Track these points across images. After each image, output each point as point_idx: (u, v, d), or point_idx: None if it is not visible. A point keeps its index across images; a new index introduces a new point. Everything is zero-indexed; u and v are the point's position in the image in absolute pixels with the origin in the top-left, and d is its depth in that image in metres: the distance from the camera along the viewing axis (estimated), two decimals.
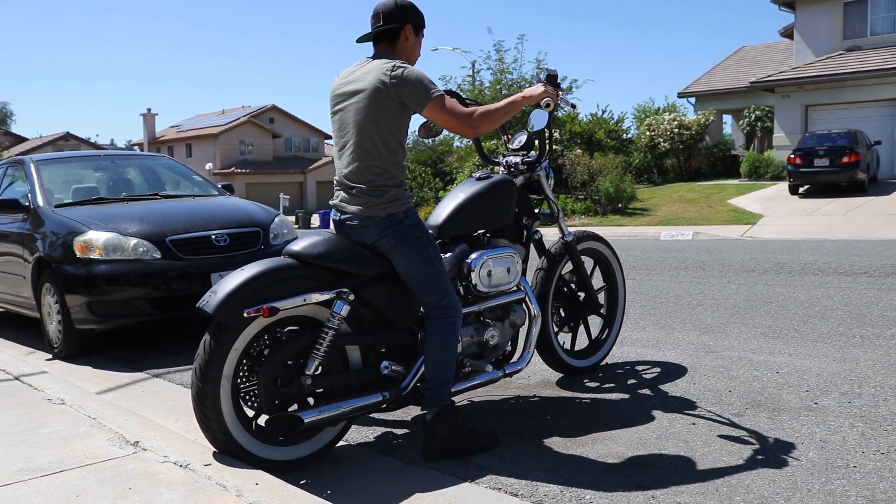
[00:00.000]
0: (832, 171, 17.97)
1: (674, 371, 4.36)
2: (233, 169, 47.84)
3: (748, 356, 4.61)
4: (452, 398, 3.27)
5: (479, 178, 3.77)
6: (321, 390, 3.11)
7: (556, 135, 22.36)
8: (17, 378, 4.52)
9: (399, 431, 3.57)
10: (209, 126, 51.62)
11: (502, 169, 4.00)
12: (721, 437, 3.28)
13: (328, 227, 19.00)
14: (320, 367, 3.06)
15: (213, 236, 5.67)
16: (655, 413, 3.63)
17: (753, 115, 26.69)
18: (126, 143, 67.72)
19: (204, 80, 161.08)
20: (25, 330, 6.77)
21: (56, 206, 6.09)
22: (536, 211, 4.03)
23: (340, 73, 3.32)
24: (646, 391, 4.01)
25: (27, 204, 6.17)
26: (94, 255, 5.34)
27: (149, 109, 53.35)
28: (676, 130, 24.92)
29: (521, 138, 4.03)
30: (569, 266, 4.25)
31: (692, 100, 29.32)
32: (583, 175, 20.04)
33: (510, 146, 4.07)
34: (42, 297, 5.77)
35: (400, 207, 3.14)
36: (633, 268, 9.09)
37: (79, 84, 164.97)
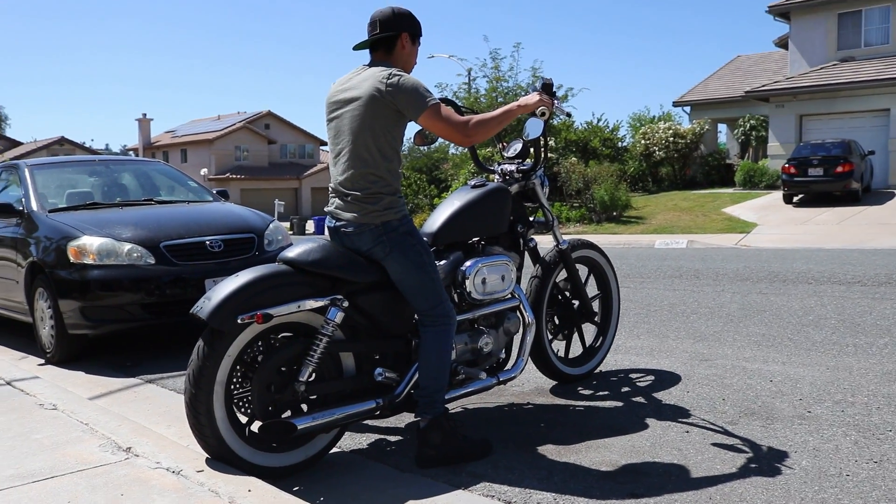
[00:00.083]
0: (826, 180, 18.06)
1: (668, 379, 4.36)
2: (228, 175, 47.82)
3: (742, 364, 4.61)
4: (446, 405, 3.27)
5: (474, 186, 3.77)
6: (315, 397, 3.10)
7: (552, 143, 22.40)
8: (8, 383, 4.50)
9: (393, 438, 3.57)
10: (205, 131, 51.61)
11: (497, 177, 4.01)
12: (714, 445, 3.28)
13: (323, 233, 19.01)
14: (314, 374, 3.06)
15: (208, 242, 5.66)
16: (649, 421, 3.63)
17: (748, 125, 26.78)
18: (121, 148, 67.70)
19: (200, 85, 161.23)
20: (18, 335, 6.74)
21: (50, 211, 6.08)
22: (531, 219, 4.03)
23: (337, 80, 3.33)
24: (640, 399, 4.01)
25: (21, 208, 6.15)
26: (88, 261, 5.32)
27: (144, 114, 53.39)
28: (671, 139, 24.98)
29: (517, 146, 4.04)
30: (563, 274, 4.26)
31: (687, 109, 29.44)
32: (578, 183, 20.09)
33: (505, 154, 4.08)
34: (35, 301, 5.75)
35: (395, 215, 3.14)
36: (627, 276, 9.10)
37: (74, 88, 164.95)
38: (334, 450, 3.30)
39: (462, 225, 3.62)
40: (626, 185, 21.24)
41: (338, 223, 3.21)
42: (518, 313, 3.78)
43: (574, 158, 21.93)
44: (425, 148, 28.37)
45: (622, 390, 4.20)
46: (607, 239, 15.81)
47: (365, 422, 3.57)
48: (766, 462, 3.06)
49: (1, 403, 4.05)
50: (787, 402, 3.82)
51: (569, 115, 3.81)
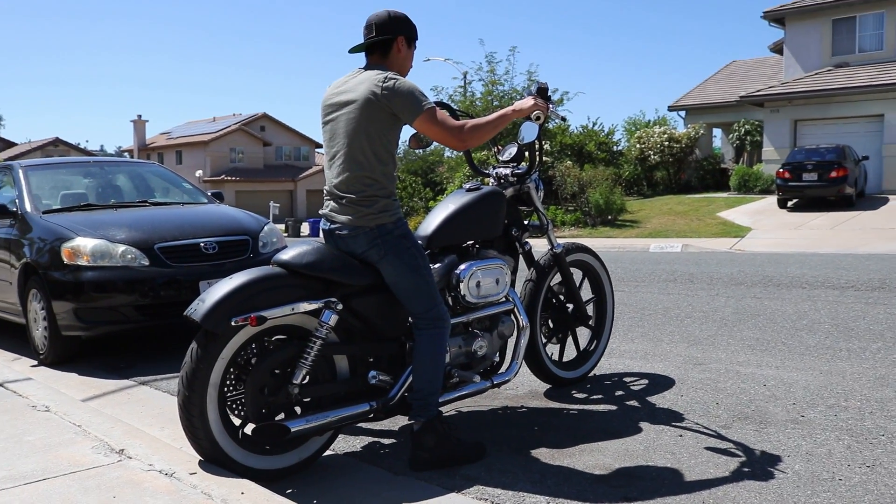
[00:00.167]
0: (820, 185, 18.12)
1: (661, 383, 4.37)
2: (223, 177, 47.77)
3: (736, 369, 4.62)
4: (440, 408, 3.27)
5: (468, 190, 3.78)
6: (308, 399, 3.10)
7: (547, 147, 22.43)
8: (1, 384, 4.48)
9: (386, 441, 3.57)
10: (200, 133, 51.55)
11: (492, 180, 4.01)
12: (708, 449, 3.29)
13: (318, 235, 18.98)
14: (308, 377, 3.05)
15: (202, 244, 5.65)
16: (643, 425, 3.64)
17: (743, 129, 26.86)
18: (116, 150, 67.57)
19: (195, 86, 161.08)
20: (11, 336, 6.72)
21: (44, 212, 6.06)
22: (526, 222, 4.04)
23: (332, 83, 3.33)
24: (633, 403, 4.01)
25: (15, 209, 6.13)
26: (82, 262, 5.31)
27: (139, 116, 53.22)
28: (666, 143, 25.04)
29: (512, 150, 4.05)
30: (558, 277, 4.26)
31: (682, 113, 29.51)
32: (573, 187, 20.11)
33: (500, 158, 4.08)
34: (28, 303, 5.73)
35: (389, 218, 3.14)
36: (621, 280, 9.11)
37: (69, 89, 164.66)
38: (328, 452, 3.29)
39: (457, 228, 3.63)
40: (621, 188, 21.28)
41: (332, 226, 3.21)
42: (512, 317, 3.78)
43: (569, 162, 21.96)
44: (420, 151, 28.38)
45: (616, 394, 4.20)
46: (602, 243, 15.83)
47: (359, 424, 3.57)
48: (759, 466, 3.06)
49: None
50: (781, 407, 3.83)
51: (564, 119, 3.83)
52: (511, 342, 3.83)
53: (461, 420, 3.83)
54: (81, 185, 6.97)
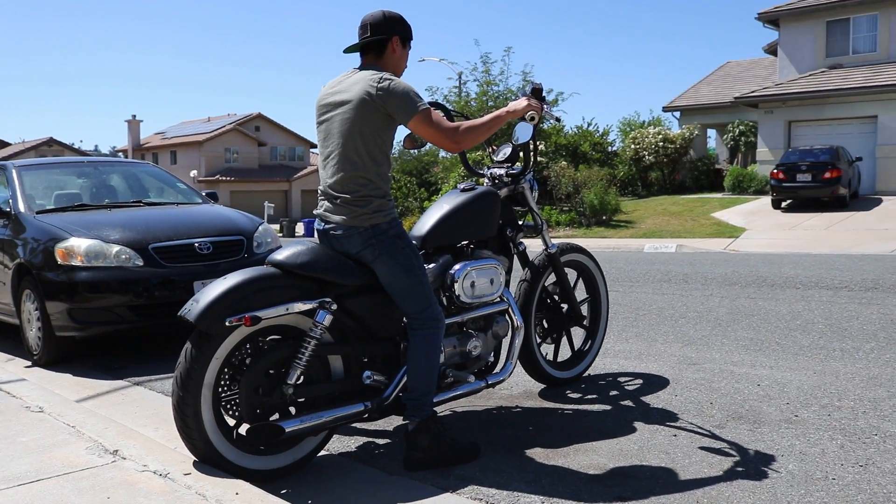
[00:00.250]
0: (814, 186, 18.17)
1: (656, 383, 4.38)
2: (218, 177, 47.67)
3: (730, 368, 4.63)
4: (435, 408, 3.27)
5: (463, 190, 3.78)
6: (303, 400, 3.09)
7: (542, 147, 22.45)
8: None
9: (381, 441, 3.57)
10: (194, 133, 51.44)
11: (487, 181, 4.02)
12: (702, 448, 3.29)
13: (312, 236, 18.97)
14: (302, 377, 3.05)
15: (197, 244, 5.64)
16: (637, 425, 3.64)
17: (737, 130, 26.92)
18: (110, 150, 67.39)
19: (190, 86, 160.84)
20: (4, 337, 6.70)
21: (38, 213, 6.04)
22: (520, 223, 4.04)
23: (327, 83, 3.33)
24: (628, 403, 4.02)
25: (8, 210, 6.11)
26: (76, 262, 5.30)
27: (133, 116, 53.15)
28: (661, 144, 25.09)
29: (506, 150, 4.05)
30: (552, 278, 4.26)
31: (677, 114, 29.57)
32: (567, 187, 20.14)
33: (495, 158, 4.08)
34: (22, 303, 5.72)
35: (384, 218, 3.14)
36: (616, 280, 9.13)
37: (63, 89, 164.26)
38: (322, 453, 3.29)
39: (451, 228, 3.63)
40: (615, 189, 21.31)
41: (327, 226, 3.21)
42: (507, 317, 3.79)
43: (564, 162, 21.99)
44: (415, 151, 28.38)
45: (610, 394, 4.21)
46: (597, 243, 15.85)
47: (353, 425, 3.57)
48: (753, 466, 3.07)
49: None
50: (775, 406, 3.84)
51: (558, 119, 3.84)
52: (506, 342, 3.84)
53: (456, 420, 3.83)
54: (75, 186, 6.96)
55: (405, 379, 3.21)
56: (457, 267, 3.51)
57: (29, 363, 5.63)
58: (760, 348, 5.17)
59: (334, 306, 3.07)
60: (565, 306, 4.33)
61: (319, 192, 3.27)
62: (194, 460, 2.95)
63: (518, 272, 4.15)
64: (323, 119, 3.24)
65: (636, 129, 28.70)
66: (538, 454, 3.30)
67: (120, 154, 55.62)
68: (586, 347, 4.53)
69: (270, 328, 3.06)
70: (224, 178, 47.66)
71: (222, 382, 2.99)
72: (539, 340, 4.23)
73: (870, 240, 13.77)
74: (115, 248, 5.38)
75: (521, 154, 4.00)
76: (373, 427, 3.72)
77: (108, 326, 5.39)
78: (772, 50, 26.36)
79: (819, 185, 18.09)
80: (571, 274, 4.46)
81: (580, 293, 4.49)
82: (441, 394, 3.43)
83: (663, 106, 29.89)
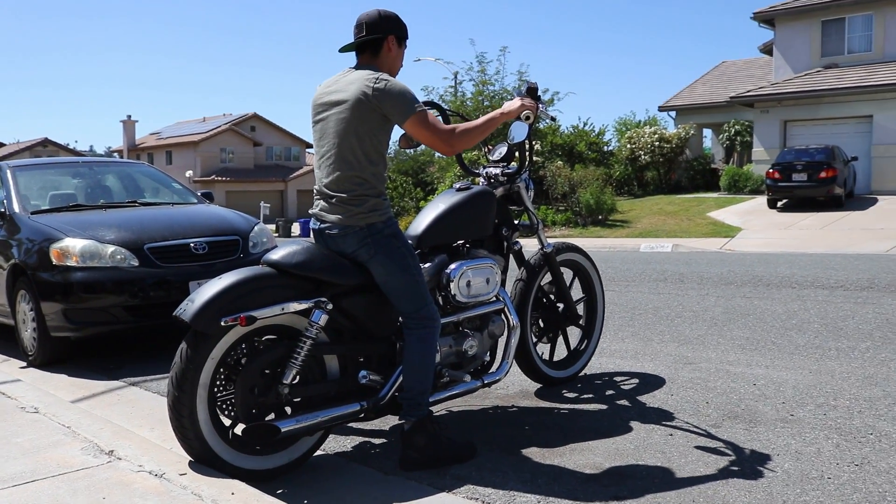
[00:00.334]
0: (810, 185, 18.21)
1: (652, 382, 4.38)
2: (213, 177, 47.64)
3: (726, 368, 4.64)
4: (430, 408, 3.27)
5: (459, 189, 3.77)
6: (298, 399, 3.09)
7: (538, 147, 22.45)
8: None
9: (377, 441, 3.56)
10: (190, 133, 51.39)
11: (482, 180, 4.01)
12: (698, 448, 3.30)
13: (309, 235, 18.93)
14: (298, 377, 3.04)
15: (192, 244, 5.63)
16: (633, 424, 3.64)
17: (733, 130, 26.95)
18: (105, 150, 67.25)
19: (185, 86, 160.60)
20: None
21: (32, 213, 6.02)
22: (516, 222, 4.04)
23: (323, 82, 3.32)
24: (624, 402, 4.02)
25: (3, 210, 6.10)
26: (71, 263, 5.28)
27: (129, 116, 53.01)
28: (657, 143, 25.10)
29: (502, 150, 4.05)
30: (548, 277, 4.26)
31: (673, 113, 29.61)
32: (563, 187, 20.14)
33: (490, 157, 4.08)
34: (17, 304, 5.70)
35: (379, 217, 3.14)
36: (612, 279, 9.13)
37: (58, 89, 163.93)
38: (318, 452, 3.29)
39: (447, 228, 3.62)
40: (611, 188, 21.32)
41: (322, 225, 3.20)
42: (503, 316, 3.79)
43: (560, 162, 21.99)
44: (411, 151, 28.37)
45: (606, 393, 4.21)
46: (592, 242, 15.86)
47: (349, 424, 3.57)
48: (748, 465, 3.07)
49: None
50: (770, 406, 3.85)
51: (553, 119, 3.84)
52: (501, 342, 3.83)
53: (452, 419, 3.83)
54: (70, 186, 6.94)
55: (401, 378, 3.21)
56: (452, 266, 3.51)
57: (24, 364, 5.62)
58: (756, 348, 5.18)
59: (330, 306, 3.06)
60: (561, 306, 4.33)
61: (315, 191, 3.27)
62: (190, 460, 2.95)
63: (514, 271, 4.15)
64: (319, 118, 3.24)
65: (632, 129, 28.71)
66: (534, 454, 3.30)
67: (115, 154, 55.56)
68: (582, 347, 4.53)
69: (266, 328, 3.05)
70: (220, 179, 47.61)
71: (218, 382, 2.98)
72: (535, 340, 4.23)
73: (865, 239, 13.80)
74: (111, 249, 5.37)
75: (517, 153, 4.00)
76: (369, 427, 3.72)
77: (103, 327, 5.38)
78: (767, 49, 26.41)
79: (815, 185, 18.13)
80: (567, 273, 4.46)
81: (576, 292, 4.49)
82: (437, 393, 3.43)
83: (659, 105, 29.96)
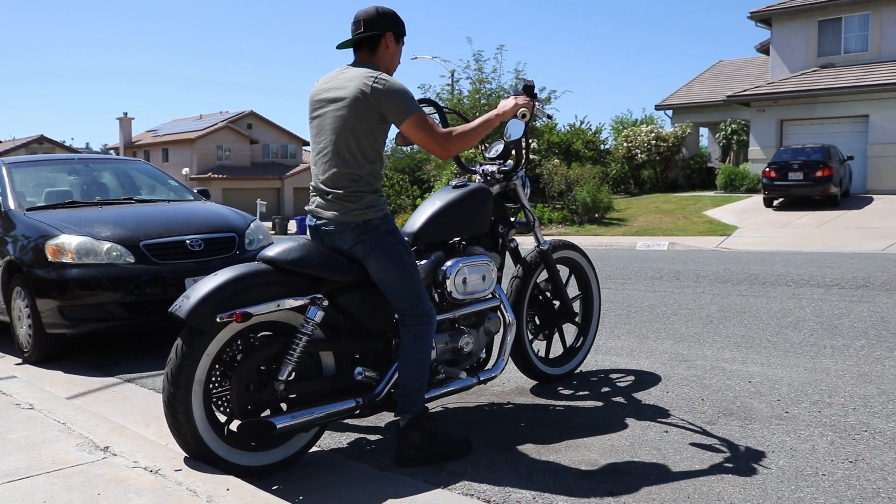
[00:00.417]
0: (806, 184, 18.25)
1: (647, 379, 4.38)
2: (210, 174, 47.53)
3: (721, 365, 4.65)
4: (426, 405, 3.27)
5: (455, 187, 3.78)
6: (294, 396, 3.09)
7: (535, 145, 22.46)
8: None
9: (372, 437, 3.56)
10: (186, 131, 51.28)
11: (479, 177, 4.02)
12: (693, 444, 3.30)
13: (305, 233, 18.85)
14: (293, 373, 3.05)
15: (188, 241, 5.62)
16: (629, 421, 3.65)
17: (729, 129, 27.00)
18: (102, 147, 67.04)
19: (182, 84, 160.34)
20: None
21: (28, 210, 6.01)
22: (512, 219, 4.04)
23: (321, 78, 3.32)
24: (619, 399, 4.03)
25: None
26: (67, 259, 5.27)
27: (125, 113, 52.87)
28: (654, 142, 25.14)
29: (498, 147, 4.05)
30: (544, 274, 4.27)
31: (669, 112, 29.64)
32: (560, 185, 20.16)
33: (487, 155, 4.09)
34: (12, 300, 5.69)
35: (376, 213, 3.14)
36: (608, 277, 9.14)
37: (54, 86, 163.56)
38: (314, 449, 3.29)
39: (443, 225, 3.63)
40: (608, 187, 21.34)
41: (318, 222, 3.20)
42: (499, 313, 3.79)
43: (557, 160, 22.00)
44: (408, 148, 28.36)
45: (602, 390, 4.22)
46: (589, 240, 15.86)
47: (345, 421, 3.56)
48: (743, 462, 3.08)
49: None
50: (766, 403, 3.85)
51: (550, 117, 3.85)
52: (497, 339, 3.84)
53: (447, 416, 3.83)
54: (66, 183, 6.93)
55: (397, 375, 3.21)
56: (448, 263, 3.51)
57: (19, 360, 5.61)
58: (752, 345, 5.19)
59: (325, 302, 3.06)
60: (557, 303, 4.33)
61: (311, 187, 3.26)
62: (185, 456, 2.95)
63: (510, 269, 4.15)
64: (316, 115, 3.23)
65: (629, 128, 28.75)
66: (530, 450, 3.30)
67: (111, 152, 55.42)
68: (578, 344, 4.53)
69: (261, 324, 3.05)
70: (216, 176, 47.52)
71: (213, 379, 2.98)
72: (531, 337, 4.24)
73: (861, 238, 13.83)
74: (106, 245, 5.36)
75: (514, 151, 4.00)
76: (364, 423, 3.72)
77: (98, 323, 5.37)
78: (764, 49, 26.44)
79: (811, 184, 18.18)
80: (563, 271, 4.46)
81: (572, 290, 4.49)
82: (432, 390, 3.43)
83: (656, 104, 29.99)
